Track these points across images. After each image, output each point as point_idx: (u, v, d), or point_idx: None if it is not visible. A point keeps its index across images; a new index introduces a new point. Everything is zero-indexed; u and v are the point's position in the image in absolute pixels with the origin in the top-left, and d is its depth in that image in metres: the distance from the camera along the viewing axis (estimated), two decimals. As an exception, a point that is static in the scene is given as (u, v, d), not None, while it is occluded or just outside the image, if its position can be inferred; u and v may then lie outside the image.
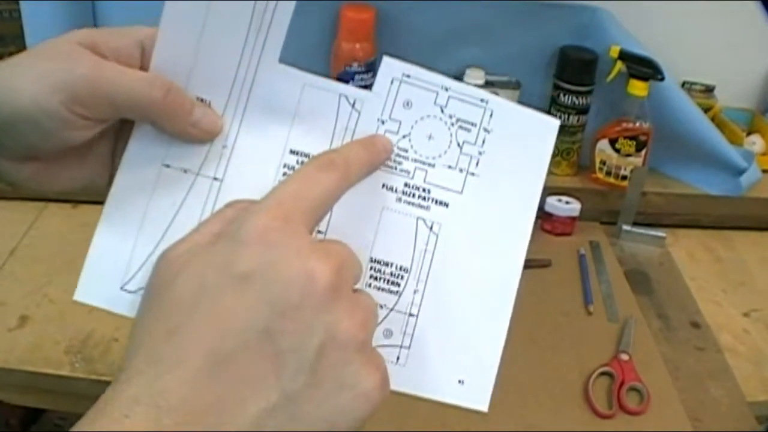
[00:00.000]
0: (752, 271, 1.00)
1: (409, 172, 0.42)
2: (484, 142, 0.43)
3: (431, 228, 0.42)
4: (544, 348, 0.82)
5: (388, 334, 0.41)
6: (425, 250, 0.42)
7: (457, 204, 0.42)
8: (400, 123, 0.43)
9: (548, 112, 1.14)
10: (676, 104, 1.12)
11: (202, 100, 0.41)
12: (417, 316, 0.42)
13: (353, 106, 0.42)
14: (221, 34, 0.41)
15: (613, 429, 0.72)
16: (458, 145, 0.43)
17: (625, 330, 0.84)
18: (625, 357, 0.80)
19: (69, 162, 0.42)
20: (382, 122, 0.42)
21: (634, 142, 1.11)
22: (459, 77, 1.11)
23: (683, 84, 1.20)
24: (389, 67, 0.43)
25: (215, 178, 0.42)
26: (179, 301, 0.33)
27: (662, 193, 1.13)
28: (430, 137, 0.42)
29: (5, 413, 1.17)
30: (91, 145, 0.42)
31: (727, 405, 0.76)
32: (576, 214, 1.00)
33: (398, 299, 0.42)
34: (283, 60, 0.42)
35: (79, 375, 0.74)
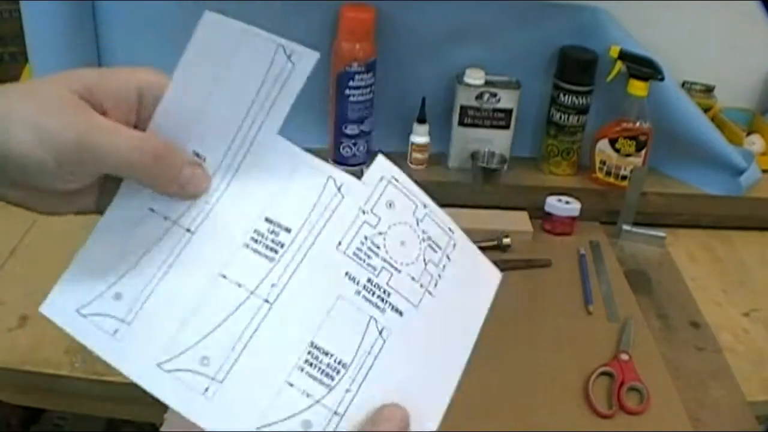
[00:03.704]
0: (752, 271, 1.00)
1: (375, 269, 0.42)
2: (444, 267, 0.43)
3: (381, 332, 0.41)
4: (544, 348, 0.81)
5: (307, 425, 0.39)
6: (369, 353, 0.41)
7: (410, 316, 0.42)
8: (380, 219, 0.42)
9: (548, 112, 1.15)
10: (676, 104, 1.12)
11: (197, 155, 0.42)
12: (342, 416, 0.39)
13: (339, 189, 0.43)
14: (230, 96, 0.41)
15: (613, 429, 0.72)
16: (424, 261, 0.43)
17: (625, 330, 0.84)
18: (625, 357, 0.80)
19: (57, 195, 0.41)
20: (363, 212, 0.42)
21: (634, 142, 1.11)
22: (459, 77, 1.11)
23: (683, 84, 1.20)
24: (382, 166, 0.43)
25: (188, 230, 0.42)
26: None
27: (662, 193, 1.13)
28: (402, 243, 0.42)
29: (5, 413, 1.17)
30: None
31: (727, 405, 0.76)
32: (576, 214, 1.00)
33: (327, 393, 0.40)
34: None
35: (79, 375, 0.74)
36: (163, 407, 0.70)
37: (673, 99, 1.12)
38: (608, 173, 1.15)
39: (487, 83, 1.10)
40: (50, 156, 0.37)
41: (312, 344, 0.40)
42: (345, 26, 1.06)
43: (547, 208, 1.00)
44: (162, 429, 0.67)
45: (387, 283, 0.42)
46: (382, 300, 0.41)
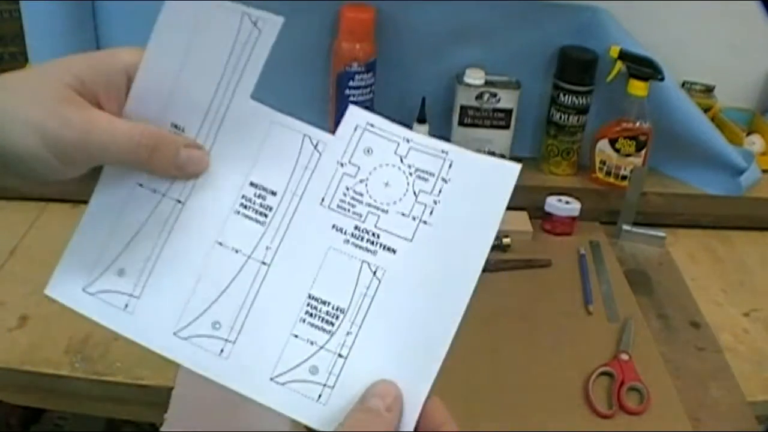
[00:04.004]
0: (752, 271, 1.00)
1: (361, 216, 0.43)
2: (440, 191, 0.43)
3: (375, 273, 0.43)
4: (544, 348, 0.81)
5: (314, 371, 0.42)
6: (365, 294, 0.42)
7: (405, 251, 0.43)
8: (359, 168, 0.44)
9: (548, 112, 1.15)
10: (676, 104, 1.12)
11: (176, 126, 0.44)
12: (346, 358, 0.42)
13: (315, 147, 0.44)
14: (201, 68, 0.43)
15: (613, 429, 0.72)
16: (414, 193, 0.43)
17: (625, 330, 0.84)
18: (625, 357, 0.80)
19: (55, 182, 0.43)
20: (341, 165, 0.44)
21: (634, 142, 1.11)
22: (459, 77, 1.11)
23: (683, 84, 1.20)
24: (354, 115, 0.45)
25: (178, 201, 0.44)
26: None
27: (662, 193, 1.13)
28: (386, 184, 0.43)
29: (5, 413, 1.17)
30: None
31: (727, 405, 0.76)
32: (576, 214, 1.00)
33: (330, 338, 0.42)
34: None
35: (79, 375, 0.74)
36: (163, 408, 0.70)
37: (673, 99, 1.12)
38: (608, 173, 1.15)
39: (487, 83, 1.10)
40: (52, 154, 0.39)
41: (310, 296, 0.43)
42: (345, 26, 1.06)
43: (547, 208, 1.00)
44: (162, 429, 0.67)
45: (375, 226, 0.43)
46: (372, 243, 0.43)
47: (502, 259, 0.92)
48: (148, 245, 0.44)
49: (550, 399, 0.75)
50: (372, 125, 0.44)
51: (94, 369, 0.74)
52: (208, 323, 0.43)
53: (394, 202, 0.43)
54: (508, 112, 1.11)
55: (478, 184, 0.43)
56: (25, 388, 0.78)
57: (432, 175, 0.43)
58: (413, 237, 0.43)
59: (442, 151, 0.44)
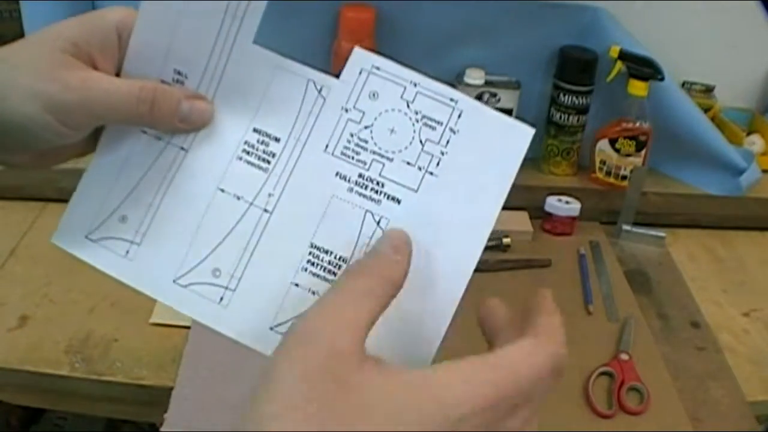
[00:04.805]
0: (752, 271, 1.00)
1: (365, 164, 0.42)
2: (448, 142, 0.42)
3: (378, 222, 0.42)
4: (544, 348, 0.81)
5: None
6: (368, 245, 0.41)
7: (410, 202, 0.42)
8: (364, 113, 0.42)
9: (548, 112, 1.15)
10: (676, 104, 1.12)
11: (179, 72, 0.43)
12: None
13: (320, 92, 0.43)
14: (200, 13, 0.43)
15: (613, 429, 0.72)
16: (420, 142, 0.42)
17: (625, 330, 0.84)
18: (625, 357, 0.80)
19: (56, 149, 0.44)
20: (346, 110, 0.42)
21: (634, 142, 1.11)
22: (459, 77, 1.11)
23: (683, 84, 1.20)
24: (359, 57, 0.43)
25: (182, 148, 0.44)
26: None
27: (662, 193, 1.13)
28: (392, 131, 0.42)
29: (5, 413, 1.17)
30: None
31: (727, 405, 0.76)
32: (576, 213, 1.00)
33: None
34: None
35: (79, 375, 0.74)
36: (163, 408, 0.70)
37: (673, 99, 1.12)
38: (608, 173, 1.15)
39: (487, 83, 1.10)
40: (53, 117, 0.40)
41: (312, 245, 0.42)
42: (345, 26, 1.06)
43: (547, 208, 1.00)
44: (162, 429, 0.67)
45: (380, 174, 0.42)
46: (376, 192, 0.42)
47: (502, 259, 0.92)
48: (150, 192, 0.44)
49: (550, 399, 0.75)
50: (378, 68, 0.43)
51: (94, 369, 0.74)
52: (208, 270, 0.43)
53: (400, 150, 0.42)
54: (508, 112, 1.11)
55: (488, 141, 0.41)
56: (25, 388, 0.78)
57: (440, 123, 0.42)
58: (419, 188, 0.41)
59: (452, 100, 0.42)
